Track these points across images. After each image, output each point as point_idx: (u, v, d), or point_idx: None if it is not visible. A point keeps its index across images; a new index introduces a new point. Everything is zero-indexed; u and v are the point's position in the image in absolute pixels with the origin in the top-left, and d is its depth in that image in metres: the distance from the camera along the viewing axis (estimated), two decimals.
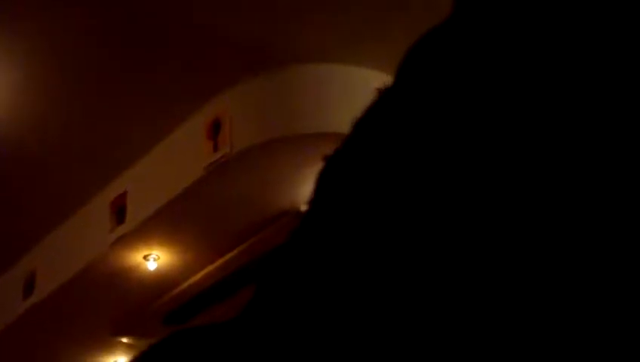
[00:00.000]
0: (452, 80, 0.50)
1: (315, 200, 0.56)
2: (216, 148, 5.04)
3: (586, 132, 0.44)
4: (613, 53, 0.45)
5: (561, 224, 0.43)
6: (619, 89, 0.44)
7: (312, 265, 0.54)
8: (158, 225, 5.54)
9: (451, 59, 0.51)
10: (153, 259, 5.87)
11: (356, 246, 0.51)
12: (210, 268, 5.87)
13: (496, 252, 0.44)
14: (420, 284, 0.47)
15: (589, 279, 0.42)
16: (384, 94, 0.56)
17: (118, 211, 5.78)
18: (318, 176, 0.57)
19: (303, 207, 5.14)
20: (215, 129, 5.10)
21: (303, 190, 5.08)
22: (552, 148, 0.44)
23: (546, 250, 0.43)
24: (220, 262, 5.78)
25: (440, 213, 0.47)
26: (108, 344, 6.85)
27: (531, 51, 0.47)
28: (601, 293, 0.42)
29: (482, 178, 0.46)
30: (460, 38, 0.52)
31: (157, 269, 5.92)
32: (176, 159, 5.40)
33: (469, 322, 0.45)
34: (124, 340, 6.75)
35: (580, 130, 0.44)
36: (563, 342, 0.42)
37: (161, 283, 6.07)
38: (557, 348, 0.42)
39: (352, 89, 4.94)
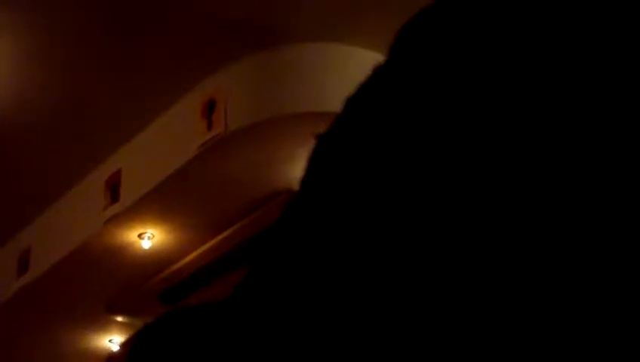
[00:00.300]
0: (443, 61, 0.50)
1: (306, 181, 0.56)
2: (210, 127, 5.03)
3: (585, 130, 0.43)
4: (612, 50, 0.44)
5: (560, 223, 0.43)
6: (618, 87, 0.44)
7: (299, 249, 0.53)
8: (152, 204, 5.54)
9: (443, 40, 0.51)
10: (147, 238, 5.86)
11: (343, 229, 0.50)
12: (204, 246, 5.86)
13: (494, 251, 0.44)
14: (404, 271, 0.47)
15: (589, 279, 0.42)
16: (376, 73, 0.55)
17: (112, 189, 5.78)
18: (309, 156, 0.56)
19: (298, 187, 5.13)
20: (210, 108, 5.08)
21: (297, 170, 5.04)
22: (550, 145, 0.44)
23: (545, 249, 0.43)
24: (214, 241, 5.78)
25: (429, 202, 0.47)
26: (102, 322, 6.85)
27: (523, 37, 0.47)
28: (601, 293, 0.42)
29: (477, 175, 0.46)
30: (452, 19, 0.51)
31: (151, 248, 5.92)
32: (171, 137, 5.39)
33: (466, 321, 0.44)
34: (119, 319, 6.76)
35: (578, 127, 0.44)
36: (563, 342, 0.42)
37: (155, 261, 6.06)
38: (557, 347, 0.42)
39: (347, 68, 4.93)
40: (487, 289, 0.44)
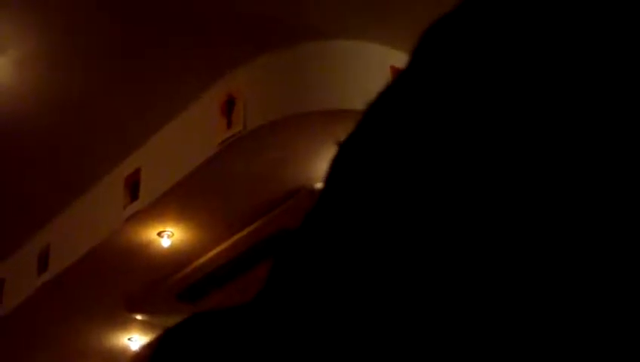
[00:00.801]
0: (465, 69, 0.50)
1: (326, 189, 0.56)
2: (229, 125, 5.04)
3: (586, 132, 0.44)
4: (613, 52, 0.45)
5: (561, 224, 0.43)
6: (619, 89, 0.44)
7: (317, 257, 0.54)
8: (171, 202, 5.56)
9: (465, 47, 0.51)
10: (167, 236, 5.89)
11: (363, 239, 0.51)
12: (223, 245, 5.88)
13: (497, 250, 0.45)
14: (421, 279, 0.47)
15: (589, 279, 0.42)
16: (397, 79, 0.55)
17: (132, 187, 5.80)
18: (330, 163, 0.56)
19: (317, 185, 5.15)
20: (229, 106, 5.09)
21: (316, 167, 5.08)
22: (552, 147, 0.45)
23: (545, 250, 0.43)
24: (233, 239, 5.80)
25: (442, 210, 0.47)
26: (122, 320, 6.89)
27: (537, 49, 0.47)
28: (601, 293, 0.42)
29: (479, 177, 0.46)
30: (474, 25, 0.51)
31: (171, 246, 5.94)
32: (190, 136, 5.40)
33: (468, 322, 0.45)
34: (138, 317, 6.79)
35: (580, 129, 0.44)
36: (563, 342, 0.42)
37: (174, 260, 6.09)
38: (557, 348, 0.42)
39: (366, 66, 4.93)
40: (488, 289, 0.44)
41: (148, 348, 6.77)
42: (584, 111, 0.44)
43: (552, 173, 0.44)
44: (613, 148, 0.43)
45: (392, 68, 4.79)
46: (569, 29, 0.47)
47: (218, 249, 5.94)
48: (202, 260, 6.08)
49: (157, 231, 5.86)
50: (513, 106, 0.46)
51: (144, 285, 6.35)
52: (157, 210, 5.64)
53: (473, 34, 0.51)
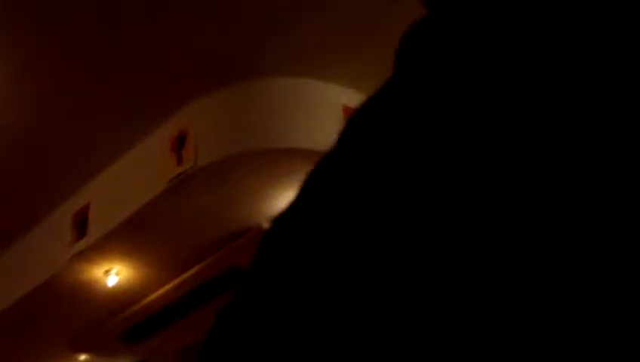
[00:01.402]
0: (447, 77, 0.50)
1: (303, 198, 0.55)
2: (180, 162, 5.02)
3: (585, 131, 0.44)
4: (612, 51, 0.45)
5: (561, 224, 0.43)
6: (618, 88, 0.44)
7: (301, 265, 0.52)
8: (119, 239, 5.52)
9: (447, 53, 0.51)
10: (114, 274, 5.83)
11: (358, 238, 0.50)
12: (171, 284, 5.86)
13: (495, 251, 0.44)
14: (407, 286, 0.46)
15: (589, 279, 0.42)
16: (380, 90, 0.54)
17: (80, 224, 5.74)
18: (320, 162, 0.55)
19: (266, 224, 5.13)
20: (180, 142, 5.08)
21: (266, 206, 5.07)
22: (550, 146, 0.44)
23: (545, 251, 0.43)
24: (181, 278, 5.78)
25: (435, 214, 0.47)
26: (66, 360, 6.81)
27: (523, 45, 0.47)
28: (601, 294, 0.42)
29: (478, 177, 0.46)
30: (451, 26, 0.52)
31: (117, 284, 5.89)
32: (140, 172, 5.38)
33: (467, 322, 0.44)
34: (82, 357, 6.73)
35: (579, 128, 0.44)
36: (563, 343, 0.42)
37: (121, 298, 6.05)
38: (557, 348, 0.42)
39: (317, 104, 4.95)
40: (488, 289, 0.44)
41: None
42: (581, 109, 0.44)
43: (550, 172, 0.44)
44: (612, 146, 0.43)
45: (345, 107, 4.80)
46: (561, 24, 0.46)
47: (165, 288, 5.91)
48: (149, 299, 6.04)
49: (104, 270, 5.81)
50: (507, 105, 0.46)
51: (89, 324, 6.29)
52: (104, 247, 5.60)
53: (459, 35, 0.51)
